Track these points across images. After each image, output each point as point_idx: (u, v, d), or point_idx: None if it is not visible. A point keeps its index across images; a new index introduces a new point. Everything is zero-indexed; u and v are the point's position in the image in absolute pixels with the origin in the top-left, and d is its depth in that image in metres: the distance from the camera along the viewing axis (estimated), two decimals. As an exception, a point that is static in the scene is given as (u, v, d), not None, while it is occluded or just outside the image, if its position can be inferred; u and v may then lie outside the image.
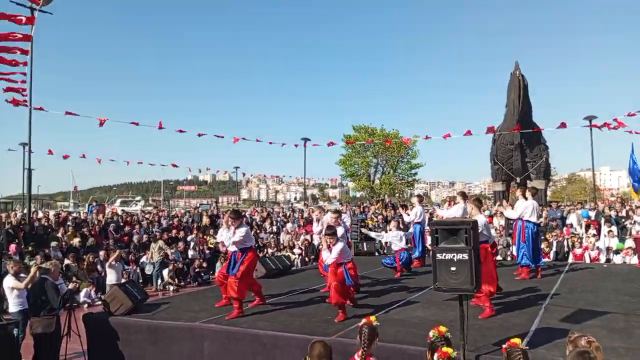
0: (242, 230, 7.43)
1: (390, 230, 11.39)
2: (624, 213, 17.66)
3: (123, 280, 11.45)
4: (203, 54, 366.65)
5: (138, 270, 15.23)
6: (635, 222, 12.22)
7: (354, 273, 7.25)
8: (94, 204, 23.05)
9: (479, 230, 7.91)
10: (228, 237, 7.49)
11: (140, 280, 14.55)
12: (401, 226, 11.78)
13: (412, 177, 45.77)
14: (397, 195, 46.04)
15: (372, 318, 4.49)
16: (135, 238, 16.66)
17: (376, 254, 16.42)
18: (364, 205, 25.90)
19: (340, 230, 7.94)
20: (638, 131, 14.59)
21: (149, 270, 15.23)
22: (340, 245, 7.11)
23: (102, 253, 14.27)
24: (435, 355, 3.82)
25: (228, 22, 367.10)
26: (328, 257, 7.14)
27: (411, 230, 12.11)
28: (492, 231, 8.12)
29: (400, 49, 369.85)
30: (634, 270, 10.97)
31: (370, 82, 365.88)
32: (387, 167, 44.47)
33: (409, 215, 12.36)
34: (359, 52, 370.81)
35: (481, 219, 8.07)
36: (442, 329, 4.29)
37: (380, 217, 20.93)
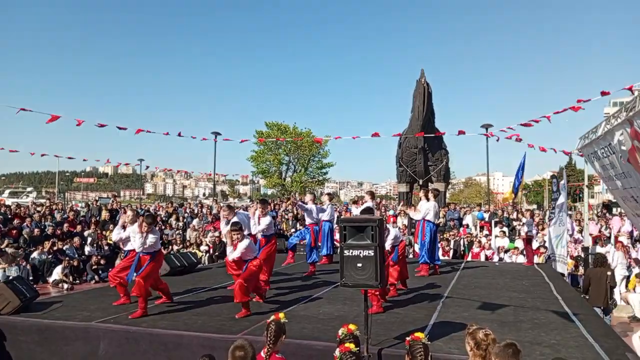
0: (155, 236, 7.21)
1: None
2: (514, 215, 19.12)
3: (11, 277, 10.55)
4: (107, 42, 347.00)
5: (28, 267, 14.07)
6: (524, 223, 13.24)
7: (256, 269, 7.15)
8: (-22, 194, 20.99)
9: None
10: (139, 240, 7.15)
11: (31, 278, 13.46)
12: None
13: (322, 176, 46.56)
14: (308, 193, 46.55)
15: (281, 315, 4.48)
16: (25, 232, 15.40)
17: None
18: (275, 203, 25.85)
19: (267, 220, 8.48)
20: (530, 143, 15.79)
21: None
22: (245, 242, 7.04)
23: (-15, 248, 13.04)
24: (337, 351, 3.88)
25: (133, 12, 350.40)
26: (231, 253, 7.08)
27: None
28: (395, 231, 8.43)
29: (314, 51, 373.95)
30: (522, 269, 11.88)
31: (285, 82, 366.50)
32: (298, 165, 44.83)
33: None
34: (274, 51, 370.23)
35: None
36: (352, 327, 4.36)
37: (290, 215, 21.00)
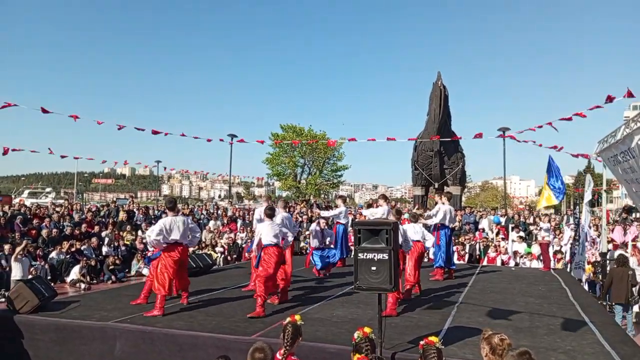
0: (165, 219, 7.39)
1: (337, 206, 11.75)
2: (531, 220, 18.91)
3: (30, 277, 10.73)
4: (125, 43, 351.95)
5: (46, 267, 14.29)
6: (541, 228, 13.09)
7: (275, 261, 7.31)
8: (-1, 194, 21.33)
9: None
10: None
11: (49, 277, 13.66)
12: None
13: (337, 179, 46.55)
14: (322, 196, 46.60)
15: (297, 317, 4.48)
16: (44, 232, 15.65)
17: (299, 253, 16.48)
18: (290, 205, 25.91)
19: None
20: (549, 145, 15.58)
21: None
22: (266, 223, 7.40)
23: (6, 247, 13.26)
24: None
25: (151, 12, 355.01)
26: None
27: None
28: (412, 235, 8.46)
29: (332, 55, 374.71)
30: (539, 274, 11.75)
31: (302, 83, 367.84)
32: (313, 167, 44.89)
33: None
34: (291, 53, 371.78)
35: (402, 228, 8.39)
36: (367, 330, 4.34)
37: (305, 217, 21.04)
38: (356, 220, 12.37)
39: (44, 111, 15.38)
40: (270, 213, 7.55)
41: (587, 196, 13.31)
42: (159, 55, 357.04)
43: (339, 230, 12.10)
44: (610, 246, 13.57)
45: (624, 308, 9.90)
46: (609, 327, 6.51)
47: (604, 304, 10.08)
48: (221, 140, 22.95)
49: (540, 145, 15.00)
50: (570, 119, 11.89)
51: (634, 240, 14.83)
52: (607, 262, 11.45)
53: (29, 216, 16.93)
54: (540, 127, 13.72)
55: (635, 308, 10.34)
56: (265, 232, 7.32)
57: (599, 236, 15.27)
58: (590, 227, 15.83)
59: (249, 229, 19.16)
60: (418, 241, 8.43)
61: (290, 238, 7.78)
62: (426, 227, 13.46)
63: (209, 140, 21.59)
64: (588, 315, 7.10)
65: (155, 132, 18.92)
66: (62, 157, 21.45)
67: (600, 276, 12.08)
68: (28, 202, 24.96)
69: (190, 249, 16.85)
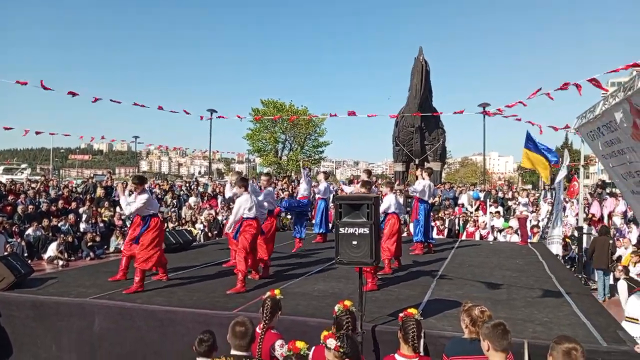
0: (144, 197, 7.11)
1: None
2: (509, 195, 19.17)
3: (5, 253, 10.54)
4: (102, 15, 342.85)
5: (23, 243, 14.06)
6: (519, 203, 13.28)
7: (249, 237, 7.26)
8: (-29, 170, 20.79)
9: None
10: (126, 202, 7.18)
11: (25, 254, 13.45)
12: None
13: (318, 155, 46.48)
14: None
15: (277, 291, 4.50)
16: (20, 208, 15.35)
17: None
18: (272, 181, 25.77)
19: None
20: (529, 120, 15.60)
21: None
22: (245, 196, 7.32)
23: (-20, 224, 13.00)
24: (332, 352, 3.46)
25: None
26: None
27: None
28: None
29: (314, 30, 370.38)
30: (516, 248, 11.94)
31: (284, 58, 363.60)
32: (294, 143, 44.69)
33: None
34: (273, 28, 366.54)
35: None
36: (348, 303, 4.36)
37: (287, 193, 20.98)
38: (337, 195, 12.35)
39: (20, 83, 14.88)
40: (244, 184, 7.43)
41: (563, 172, 13.51)
42: (136, 30, 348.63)
43: (320, 205, 12.10)
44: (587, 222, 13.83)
45: (604, 273, 11.00)
46: (585, 299, 6.65)
47: (580, 276, 10.33)
48: (201, 118, 22.62)
49: (519, 120, 15.03)
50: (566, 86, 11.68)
51: (609, 214, 15.16)
52: (583, 235, 11.72)
53: (4, 192, 16.58)
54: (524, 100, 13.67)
55: (611, 279, 10.67)
56: (244, 205, 7.31)
57: (564, 210, 15.61)
58: (565, 201, 16.12)
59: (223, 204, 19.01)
60: (395, 213, 8.44)
61: (265, 208, 7.81)
62: (407, 201, 13.58)
63: (187, 113, 21.15)
64: (564, 287, 7.23)
65: (135, 105, 18.43)
66: (37, 133, 20.93)
67: (577, 249, 12.32)
68: (3, 178, 24.48)
69: (170, 225, 16.83)
